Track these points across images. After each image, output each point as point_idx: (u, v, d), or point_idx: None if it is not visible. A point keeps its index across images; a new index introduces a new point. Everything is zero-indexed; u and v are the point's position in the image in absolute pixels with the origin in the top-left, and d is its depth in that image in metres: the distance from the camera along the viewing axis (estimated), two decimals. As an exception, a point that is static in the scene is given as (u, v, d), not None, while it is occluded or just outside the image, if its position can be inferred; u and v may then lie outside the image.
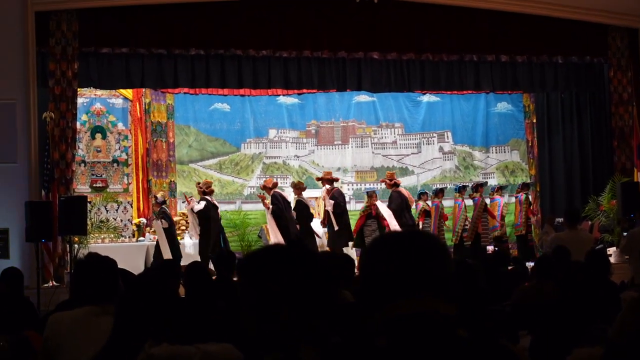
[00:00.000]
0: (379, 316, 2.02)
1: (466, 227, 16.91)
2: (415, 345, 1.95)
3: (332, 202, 15.31)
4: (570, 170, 18.92)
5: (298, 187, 15.84)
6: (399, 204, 15.63)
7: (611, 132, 17.27)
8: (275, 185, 15.77)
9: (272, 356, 2.10)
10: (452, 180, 19.67)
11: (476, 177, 19.77)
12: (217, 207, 15.54)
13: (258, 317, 2.21)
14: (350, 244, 15.87)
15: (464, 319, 2.04)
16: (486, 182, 18.62)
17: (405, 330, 1.97)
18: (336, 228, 15.39)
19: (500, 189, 18.05)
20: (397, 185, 16.06)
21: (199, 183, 16.09)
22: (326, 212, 15.89)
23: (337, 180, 16.17)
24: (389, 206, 16.01)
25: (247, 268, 2.31)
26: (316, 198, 16.95)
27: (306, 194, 16.19)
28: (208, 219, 15.23)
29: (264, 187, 15.76)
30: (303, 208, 15.58)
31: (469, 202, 17.31)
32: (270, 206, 15.29)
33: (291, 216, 15.31)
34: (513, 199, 18.35)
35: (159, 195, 16.27)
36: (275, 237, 15.13)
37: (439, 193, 17.25)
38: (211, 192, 15.59)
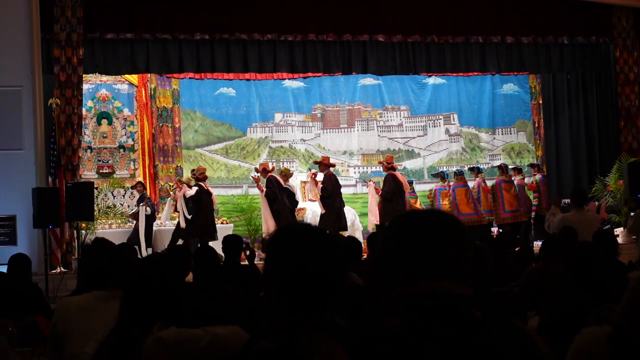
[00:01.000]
0: (393, 295, 2.01)
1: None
2: (430, 324, 1.94)
3: (320, 186, 15.35)
4: (576, 151, 18.88)
5: (284, 175, 15.84)
6: (392, 188, 15.61)
7: (617, 113, 17.25)
8: (272, 169, 15.76)
9: (269, 341, 2.09)
10: (459, 162, 19.64)
11: (483, 159, 19.74)
12: (210, 194, 15.37)
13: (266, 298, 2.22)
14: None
15: (476, 301, 2.03)
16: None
17: (420, 310, 1.96)
18: (322, 212, 15.39)
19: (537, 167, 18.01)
20: (394, 169, 16.03)
21: (193, 170, 16.03)
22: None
23: (333, 165, 16.15)
24: (382, 188, 16.03)
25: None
26: (304, 182, 17.01)
27: (298, 177, 16.23)
28: (199, 205, 15.14)
29: (263, 170, 15.70)
30: (289, 195, 15.61)
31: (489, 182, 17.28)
32: (265, 189, 15.30)
33: (284, 201, 15.30)
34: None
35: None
36: (267, 220, 15.14)
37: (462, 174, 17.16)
38: (204, 179, 15.51)
